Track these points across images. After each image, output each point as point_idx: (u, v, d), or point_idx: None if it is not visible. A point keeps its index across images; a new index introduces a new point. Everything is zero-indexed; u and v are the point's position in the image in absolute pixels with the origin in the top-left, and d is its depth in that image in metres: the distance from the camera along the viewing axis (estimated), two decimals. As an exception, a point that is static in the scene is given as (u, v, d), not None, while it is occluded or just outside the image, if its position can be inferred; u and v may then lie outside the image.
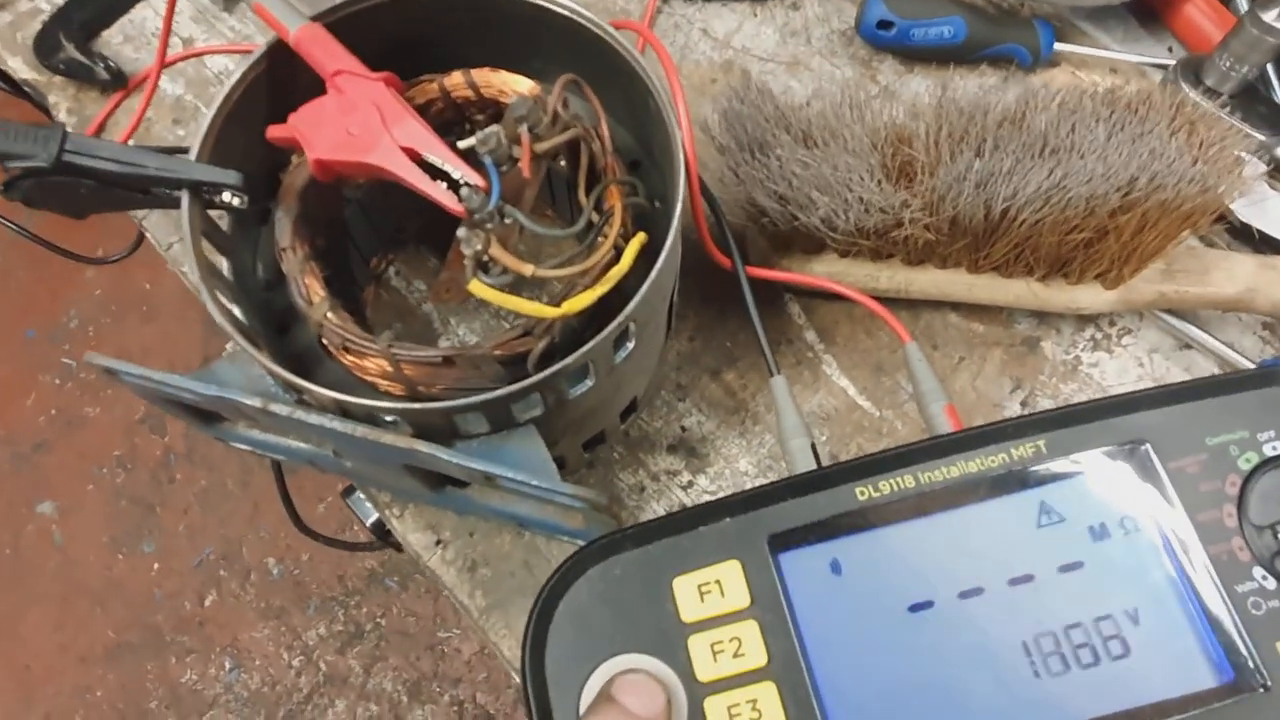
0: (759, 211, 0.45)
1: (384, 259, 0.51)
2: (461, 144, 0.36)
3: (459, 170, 0.36)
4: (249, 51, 0.40)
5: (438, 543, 0.46)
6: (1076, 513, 0.32)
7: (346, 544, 1.08)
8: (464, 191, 0.35)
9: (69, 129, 0.37)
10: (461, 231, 0.35)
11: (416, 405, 0.34)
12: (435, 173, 0.36)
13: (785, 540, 0.32)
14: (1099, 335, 0.50)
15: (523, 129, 0.36)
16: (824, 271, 0.48)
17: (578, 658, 0.31)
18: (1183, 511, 0.31)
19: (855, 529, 0.32)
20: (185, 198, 0.37)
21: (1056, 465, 0.32)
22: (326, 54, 0.38)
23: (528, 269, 0.35)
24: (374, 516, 0.61)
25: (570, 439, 0.42)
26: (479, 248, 0.35)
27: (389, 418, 0.35)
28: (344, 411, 0.35)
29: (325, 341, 0.39)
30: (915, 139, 0.44)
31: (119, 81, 0.57)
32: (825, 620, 0.31)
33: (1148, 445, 0.32)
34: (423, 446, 0.34)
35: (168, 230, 0.55)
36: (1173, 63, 0.55)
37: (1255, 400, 0.33)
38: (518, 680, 0.32)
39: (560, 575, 0.32)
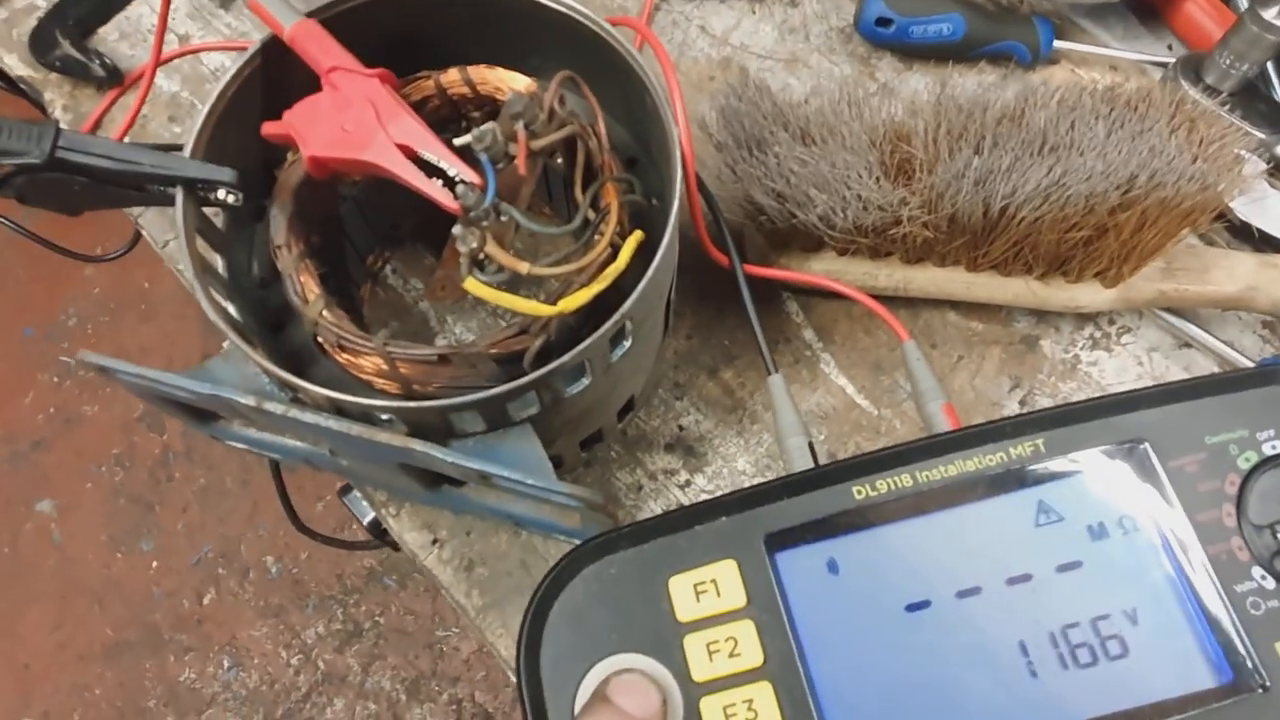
0: (757, 209, 0.45)
1: (380, 256, 0.51)
2: (457, 141, 0.36)
3: (455, 167, 0.36)
4: (245, 48, 0.40)
5: (434, 542, 0.46)
6: (1075, 512, 0.31)
7: (345, 543, 1.08)
8: (460, 189, 0.35)
9: (64, 126, 0.37)
10: (457, 229, 0.35)
11: (412, 404, 0.34)
12: (431, 170, 0.36)
13: (782, 539, 0.32)
14: (1098, 334, 0.50)
15: (519, 126, 0.36)
16: (822, 269, 0.47)
17: (573, 657, 0.30)
18: (1182, 511, 0.31)
19: (852, 528, 0.32)
20: (180, 195, 0.37)
21: (1055, 464, 0.32)
22: (321, 50, 0.38)
23: (524, 267, 0.35)
24: (370, 515, 0.60)
25: (567, 438, 0.42)
26: (475, 245, 0.34)
27: (384, 416, 0.35)
28: (339, 410, 0.35)
29: (320, 339, 0.39)
30: (914, 136, 0.43)
31: (114, 78, 0.57)
32: (822, 620, 0.31)
33: (1147, 444, 0.32)
34: (418, 445, 0.34)
35: (163, 228, 0.54)
36: (1172, 60, 0.55)
37: (1255, 399, 0.33)
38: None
39: (555, 574, 0.32)
